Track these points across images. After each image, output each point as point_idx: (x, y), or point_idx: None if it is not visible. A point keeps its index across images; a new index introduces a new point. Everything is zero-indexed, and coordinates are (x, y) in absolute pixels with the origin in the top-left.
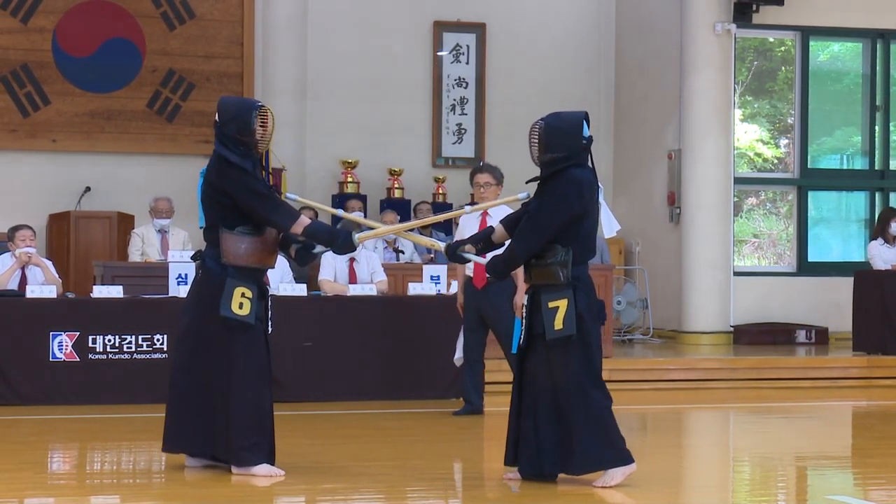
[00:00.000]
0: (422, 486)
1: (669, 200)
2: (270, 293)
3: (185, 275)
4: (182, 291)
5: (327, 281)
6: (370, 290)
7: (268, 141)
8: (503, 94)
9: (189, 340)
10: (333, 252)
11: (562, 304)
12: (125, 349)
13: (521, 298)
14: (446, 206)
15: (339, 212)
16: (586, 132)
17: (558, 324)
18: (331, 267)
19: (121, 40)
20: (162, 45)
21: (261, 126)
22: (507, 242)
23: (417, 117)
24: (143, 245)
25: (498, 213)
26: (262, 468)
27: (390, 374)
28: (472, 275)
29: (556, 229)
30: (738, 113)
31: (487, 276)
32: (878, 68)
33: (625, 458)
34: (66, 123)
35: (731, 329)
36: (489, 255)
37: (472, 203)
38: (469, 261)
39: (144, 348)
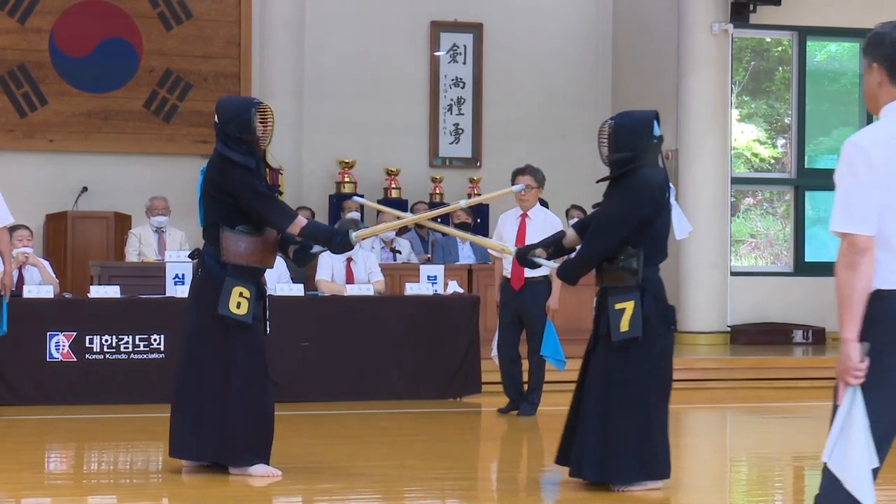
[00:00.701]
0: (419, 486)
1: None
2: (268, 293)
3: (183, 275)
4: (179, 291)
5: (325, 281)
6: (367, 290)
7: (269, 138)
8: (500, 95)
9: (190, 340)
10: (331, 252)
11: (628, 306)
12: (122, 349)
13: (555, 302)
14: (444, 206)
15: (407, 215)
16: (657, 131)
17: (624, 325)
18: (328, 267)
19: (118, 40)
20: (159, 45)
21: (261, 123)
22: (578, 248)
23: (414, 117)
24: (141, 245)
25: (537, 215)
26: (259, 468)
27: (388, 374)
28: (509, 276)
29: (627, 231)
30: (735, 113)
31: (560, 277)
32: None
33: (658, 474)
34: (64, 123)
35: (729, 329)
36: (554, 260)
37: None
38: (539, 265)
39: (142, 348)
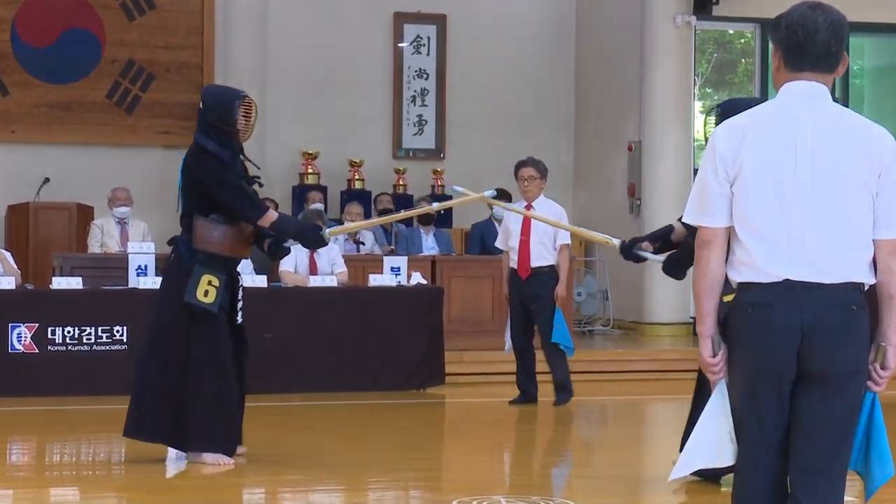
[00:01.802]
0: (382, 477)
1: (630, 192)
2: (242, 284)
3: (145, 266)
4: (142, 283)
5: (288, 272)
6: (331, 281)
7: (249, 131)
8: (464, 86)
9: (156, 324)
10: (303, 246)
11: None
12: (85, 341)
13: (563, 289)
14: (407, 198)
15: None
16: None
17: None
18: (291, 258)
19: (80, 31)
20: (122, 36)
21: (244, 116)
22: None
23: (378, 108)
24: (103, 236)
25: (541, 206)
26: (211, 456)
27: (351, 366)
28: (516, 266)
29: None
30: (698, 105)
31: (666, 272)
32: None
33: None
34: (25, 114)
35: (691, 320)
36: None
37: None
38: (646, 259)
39: (104, 340)
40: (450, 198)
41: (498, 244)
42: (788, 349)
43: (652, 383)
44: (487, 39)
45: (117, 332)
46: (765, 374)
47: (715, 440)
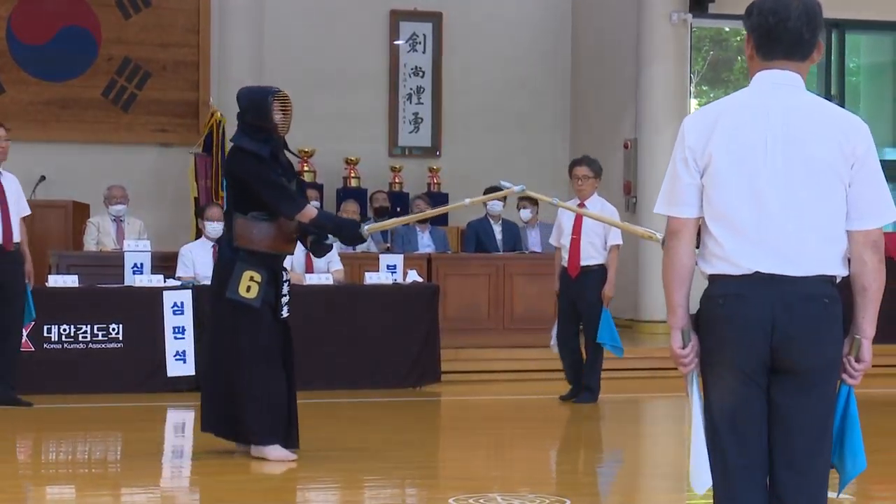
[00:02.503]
0: (378, 475)
1: (626, 190)
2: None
3: (141, 264)
4: (138, 280)
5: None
6: (327, 279)
7: (288, 125)
8: (459, 84)
9: (210, 324)
10: (342, 242)
11: None
12: (80, 338)
13: (611, 290)
14: (403, 195)
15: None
16: None
17: None
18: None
19: (76, 28)
20: (117, 34)
21: (281, 111)
22: None
23: (374, 106)
24: (99, 234)
25: (594, 204)
26: (275, 451)
27: (347, 363)
28: (566, 265)
29: None
30: (694, 102)
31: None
32: (833, 58)
33: None
34: (21, 112)
35: (692, 317)
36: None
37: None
38: None
39: (100, 338)
40: (497, 188)
41: (551, 241)
42: (760, 341)
43: (648, 381)
44: (483, 37)
45: (113, 329)
46: (737, 366)
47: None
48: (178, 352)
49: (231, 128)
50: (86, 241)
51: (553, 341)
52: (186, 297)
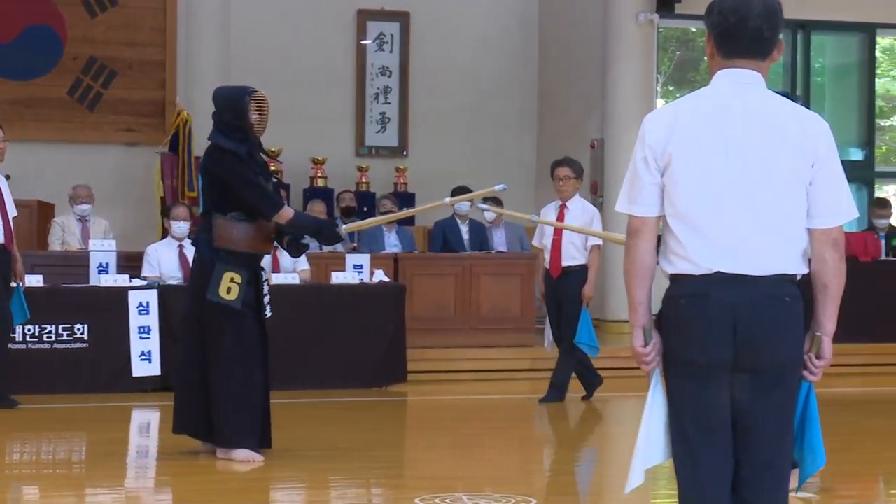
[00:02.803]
0: (344, 475)
1: (592, 189)
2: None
3: (106, 264)
4: (103, 280)
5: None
6: (293, 278)
7: (264, 125)
8: (427, 84)
9: (184, 324)
10: (320, 242)
11: None
12: (45, 338)
13: (591, 290)
14: (370, 195)
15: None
16: None
17: None
18: None
19: (41, 27)
20: (84, 33)
21: (257, 111)
22: None
23: (341, 106)
24: (64, 234)
25: (575, 205)
26: (242, 453)
27: (313, 363)
28: (548, 266)
29: None
30: (660, 103)
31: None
32: (798, 59)
33: None
34: None
35: (654, 316)
36: None
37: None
38: None
39: (65, 338)
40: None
41: (534, 242)
42: (723, 340)
43: (613, 380)
44: (451, 37)
45: (78, 329)
46: (699, 365)
47: (661, 435)
48: (143, 352)
49: (198, 127)
50: (51, 240)
51: (547, 343)
52: (152, 296)
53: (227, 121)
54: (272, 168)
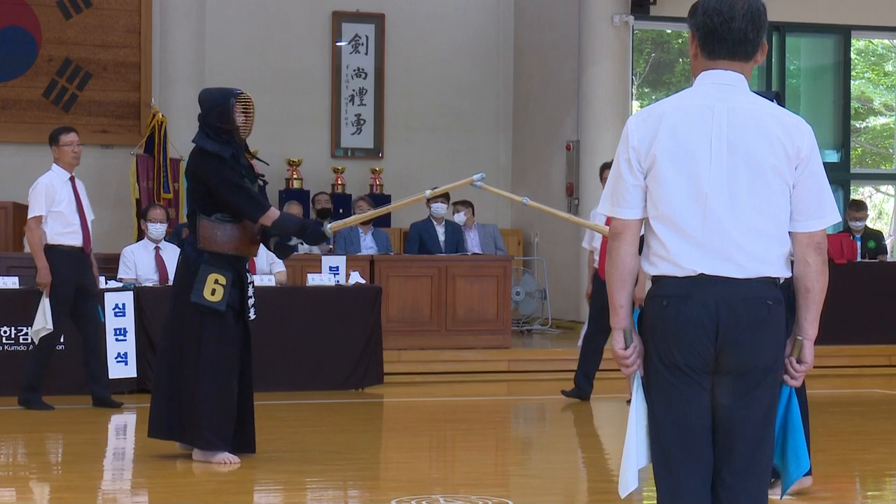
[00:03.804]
0: (320, 477)
1: (568, 191)
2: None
3: None
4: None
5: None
6: (269, 280)
7: (250, 127)
8: (402, 85)
9: (167, 326)
10: (305, 243)
11: None
12: (21, 341)
13: (642, 291)
14: (345, 197)
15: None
16: None
17: None
18: None
19: (16, 28)
20: (58, 34)
21: (242, 113)
22: None
23: (316, 108)
24: None
25: None
26: (221, 455)
27: (289, 365)
28: (598, 267)
29: None
30: (635, 104)
31: None
32: (773, 60)
33: None
34: None
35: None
36: None
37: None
38: None
39: None
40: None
41: (583, 244)
42: (704, 343)
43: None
44: (426, 39)
45: None
46: (680, 367)
47: (645, 438)
48: (119, 354)
49: (173, 129)
50: (26, 242)
51: (581, 342)
52: (128, 298)
53: (212, 123)
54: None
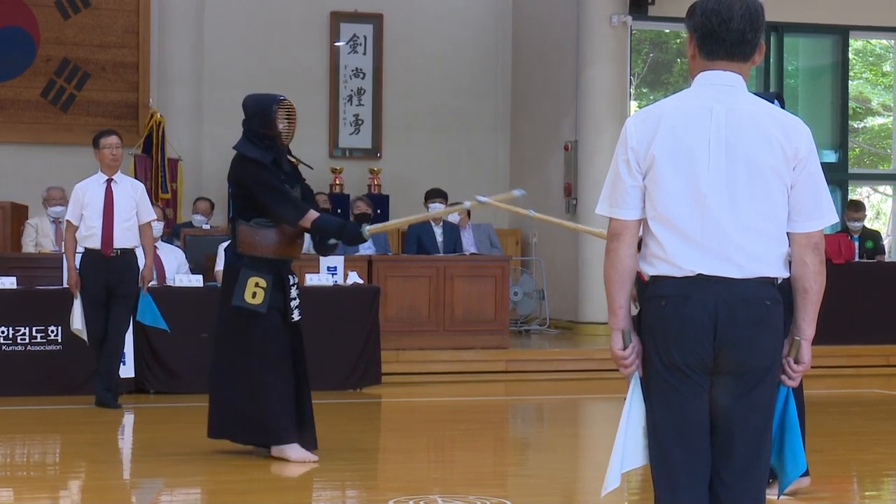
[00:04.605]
0: (319, 477)
1: (566, 191)
2: (293, 283)
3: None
4: None
5: (221, 272)
6: None
7: (292, 133)
8: (400, 86)
9: (216, 330)
10: (344, 244)
11: None
12: (19, 341)
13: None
14: (343, 197)
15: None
16: None
17: None
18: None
19: (14, 28)
20: (56, 34)
21: (285, 119)
22: None
23: (314, 108)
24: (38, 236)
25: None
26: (296, 451)
27: None
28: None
29: None
30: (634, 105)
31: None
32: (771, 61)
33: None
34: None
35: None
36: None
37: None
38: None
39: (39, 340)
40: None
41: None
42: (702, 343)
43: (588, 382)
44: (424, 39)
45: (52, 332)
46: (679, 367)
47: (640, 438)
48: None
49: (171, 129)
50: (24, 242)
51: None
52: None
53: (255, 129)
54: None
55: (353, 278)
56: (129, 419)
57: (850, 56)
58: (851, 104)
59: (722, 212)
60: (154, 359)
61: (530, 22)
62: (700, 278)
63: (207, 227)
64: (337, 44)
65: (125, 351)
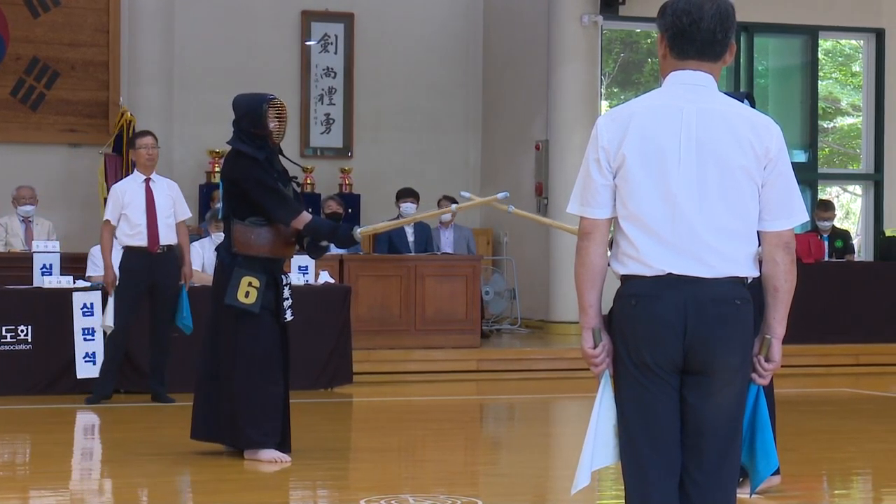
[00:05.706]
0: (291, 476)
1: (537, 191)
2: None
3: (50, 265)
4: (47, 282)
5: (196, 271)
6: None
7: (283, 132)
8: (372, 85)
9: (207, 329)
10: (336, 246)
11: None
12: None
13: None
14: (315, 196)
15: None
16: None
17: None
18: (199, 256)
19: None
20: (26, 33)
21: (275, 118)
22: None
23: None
24: (7, 235)
25: None
26: (268, 453)
27: None
28: None
29: None
30: (605, 104)
31: None
32: (741, 61)
33: None
34: None
35: (604, 318)
36: None
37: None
38: None
39: (8, 339)
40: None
41: None
42: (672, 342)
43: (559, 382)
44: (395, 38)
45: (21, 331)
46: (649, 366)
47: (610, 437)
48: (87, 353)
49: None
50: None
51: None
52: (96, 298)
53: (246, 128)
54: (216, 169)
55: (325, 278)
56: (97, 419)
57: (820, 56)
58: (821, 104)
59: (692, 211)
60: (124, 358)
61: (501, 22)
62: (670, 277)
63: None
64: (308, 43)
65: (95, 350)
